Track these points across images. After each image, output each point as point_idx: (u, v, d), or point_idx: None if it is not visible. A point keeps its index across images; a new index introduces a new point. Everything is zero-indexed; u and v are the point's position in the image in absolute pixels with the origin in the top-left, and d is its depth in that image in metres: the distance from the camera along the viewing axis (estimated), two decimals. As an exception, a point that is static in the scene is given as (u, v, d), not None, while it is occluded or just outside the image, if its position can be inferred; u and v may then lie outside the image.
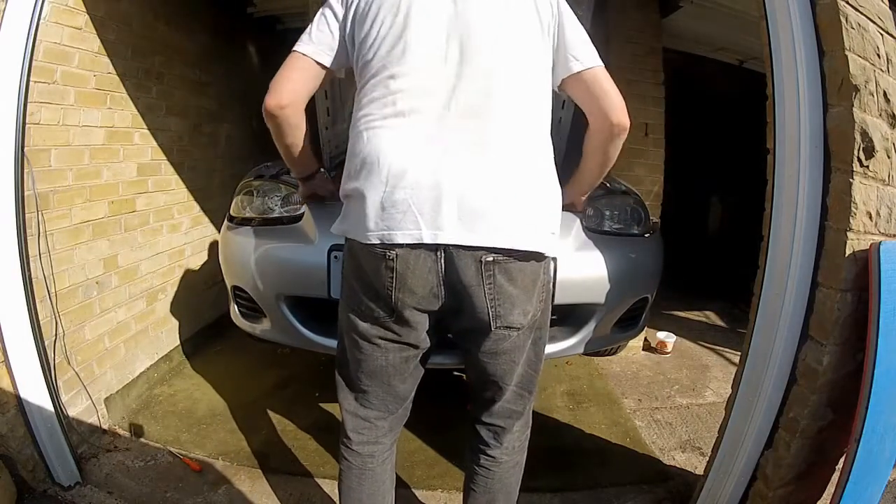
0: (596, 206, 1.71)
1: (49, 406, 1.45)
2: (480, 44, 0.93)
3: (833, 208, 1.09)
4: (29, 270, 1.40)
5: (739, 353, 1.30)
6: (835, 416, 1.14)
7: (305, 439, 1.80)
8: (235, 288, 1.67)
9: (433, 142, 0.90)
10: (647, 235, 1.75)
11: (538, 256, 0.94)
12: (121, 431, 1.81)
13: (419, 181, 0.88)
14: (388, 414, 1.08)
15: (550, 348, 1.53)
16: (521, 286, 0.94)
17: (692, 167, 3.92)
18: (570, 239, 1.53)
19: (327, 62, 1.00)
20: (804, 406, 1.14)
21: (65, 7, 1.59)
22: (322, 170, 1.32)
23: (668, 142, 2.56)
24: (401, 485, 1.55)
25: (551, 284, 1.07)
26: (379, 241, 0.90)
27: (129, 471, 1.60)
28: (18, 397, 1.39)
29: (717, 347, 2.77)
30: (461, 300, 0.93)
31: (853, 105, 1.04)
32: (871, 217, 1.08)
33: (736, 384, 1.29)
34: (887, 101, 1.10)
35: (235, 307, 1.72)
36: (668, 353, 2.66)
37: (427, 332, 1.01)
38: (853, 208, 1.05)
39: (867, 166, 1.06)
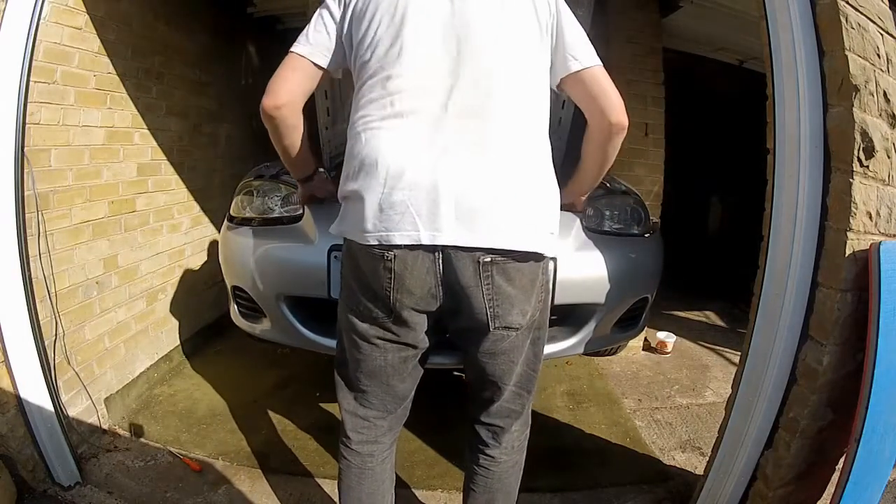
0: (596, 206, 1.71)
1: (49, 406, 1.45)
2: (478, 44, 0.93)
3: (833, 208, 1.09)
4: (29, 270, 1.40)
5: (739, 353, 1.30)
6: (835, 416, 1.14)
7: (305, 439, 1.80)
8: (235, 288, 1.67)
9: (431, 143, 0.90)
10: (647, 235, 1.75)
11: (537, 257, 0.94)
12: (121, 431, 1.81)
13: (417, 182, 0.88)
14: (388, 413, 1.08)
15: (551, 348, 1.53)
16: (520, 286, 0.94)
17: (692, 167, 3.92)
18: (570, 239, 1.53)
19: (324, 63, 1.00)
20: (804, 406, 1.14)
21: (65, 7, 1.60)
22: (321, 170, 1.32)
23: (668, 142, 2.56)
24: (401, 485, 1.56)
25: (550, 284, 1.07)
26: (377, 243, 0.90)
27: (129, 471, 1.60)
28: (18, 397, 1.39)
29: (717, 347, 2.77)
30: (459, 301, 0.93)
31: (853, 105, 1.04)
32: (871, 217, 1.08)
33: (736, 384, 1.29)
34: (887, 101, 1.10)
35: (235, 307, 1.72)
36: (668, 353, 2.66)
37: (426, 332, 1.01)
38: (853, 208, 1.05)
39: (867, 166, 1.06)
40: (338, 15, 0.99)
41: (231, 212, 1.74)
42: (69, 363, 1.65)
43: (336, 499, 1.17)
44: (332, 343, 1.16)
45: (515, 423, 1.10)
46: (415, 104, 0.92)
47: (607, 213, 1.73)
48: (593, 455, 1.78)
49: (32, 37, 1.37)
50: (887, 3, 1.19)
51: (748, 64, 3.37)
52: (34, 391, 1.42)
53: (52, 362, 1.52)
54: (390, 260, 0.90)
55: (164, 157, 2.23)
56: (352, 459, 1.08)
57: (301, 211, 1.59)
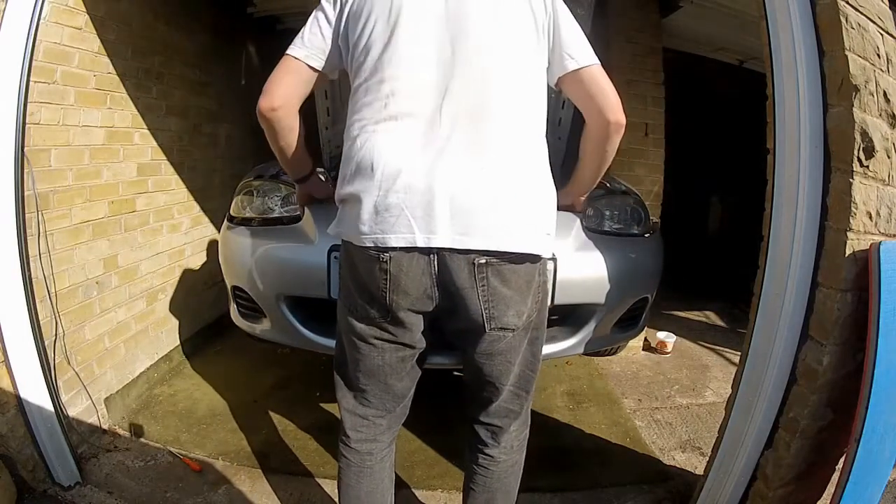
0: (596, 206, 1.71)
1: (49, 406, 1.45)
2: (473, 45, 0.93)
3: (833, 208, 1.09)
4: (29, 270, 1.40)
5: (739, 353, 1.30)
6: (835, 416, 1.14)
7: (305, 439, 1.80)
8: (235, 288, 1.67)
9: (427, 145, 0.90)
10: (647, 235, 1.75)
11: (532, 258, 0.94)
12: (121, 431, 1.81)
13: (412, 185, 0.88)
14: (387, 412, 1.09)
15: (551, 348, 1.53)
16: (515, 288, 0.94)
17: (692, 167, 3.92)
18: (570, 239, 1.53)
19: (319, 66, 1.00)
20: (804, 406, 1.14)
21: (65, 7, 1.60)
22: (320, 170, 1.32)
23: (668, 142, 2.56)
24: (401, 485, 1.56)
25: (548, 285, 1.07)
26: (373, 245, 0.90)
27: (129, 471, 1.60)
28: (18, 397, 1.39)
29: (717, 347, 2.77)
30: (455, 302, 0.93)
31: (853, 105, 1.04)
32: (871, 217, 1.08)
33: (736, 384, 1.29)
34: (887, 101, 1.10)
35: (235, 307, 1.72)
36: (668, 353, 2.66)
37: (422, 332, 1.01)
38: (853, 208, 1.05)
39: (867, 166, 1.06)
40: (333, 17, 0.99)
41: (231, 212, 1.74)
42: (69, 363, 1.65)
43: (336, 498, 1.17)
44: (331, 343, 1.16)
45: (514, 423, 1.10)
46: (409, 106, 0.92)
47: (607, 213, 1.73)
48: (593, 455, 1.78)
49: (32, 37, 1.37)
50: (887, 3, 1.19)
51: (748, 64, 3.37)
52: (34, 391, 1.42)
53: (52, 362, 1.52)
54: (386, 261, 0.90)
55: (164, 157, 2.23)
56: (351, 458, 1.08)
57: (301, 211, 1.59)
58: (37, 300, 1.44)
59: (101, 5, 1.73)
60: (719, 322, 3.27)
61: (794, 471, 1.19)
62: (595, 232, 1.63)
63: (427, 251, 0.89)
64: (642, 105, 2.50)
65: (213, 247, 2.64)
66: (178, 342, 2.37)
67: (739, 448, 1.27)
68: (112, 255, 1.91)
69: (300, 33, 1.01)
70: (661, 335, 2.66)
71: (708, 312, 3.38)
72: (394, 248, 0.89)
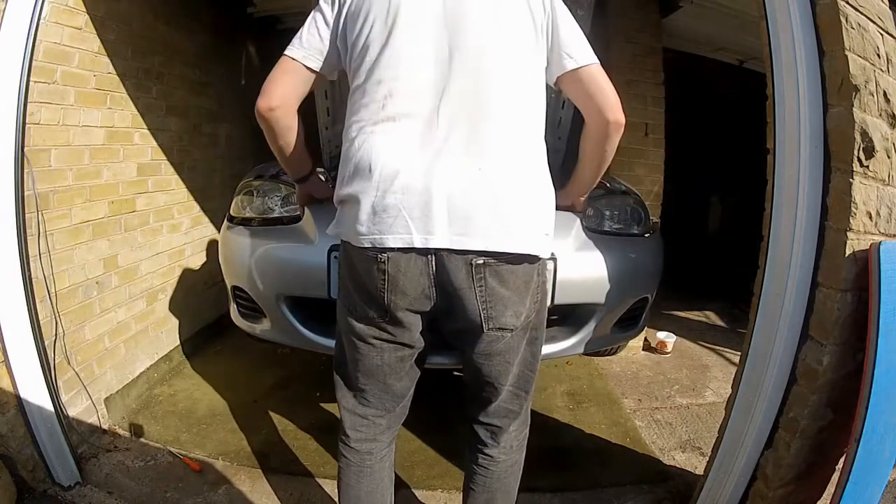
0: (596, 206, 1.71)
1: (49, 406, 1.45)
2: (472, 44, 0.93)
3: (833, 208, 1.09)
4: (29, 270, 1.40)
5: (739, 353, 1.30)
6: (835, 416, 1.14)
7: (305, 439, 1.80)
8: (235, 288, 1.67)
9: (424, 146, 0.90)
10: (646, 235, 1.75)
11: (531, 258, 0.94)
12: (121, 431, 1.81)
13: (410, 186, 0.88)
14: (386, 412, 1.09)
15: (551, 348, 1.53)
16: (514, 288, 0.94)
17: (692, 167, 3.92)
18: (570, 239, 1.53)
19: (316, 67, 1.00)
20: (804, 406, 1.14)
21: (65, 7, 1.60)
22: (319, 170, 1.32)
23: (668, 142, 2.56)
24: (401, 485, 1.56)
25: (547, 285, 1.07)
26: (370, 245, 0.90)
27: (129, 471, 1.60)
28: (18, 397, 1.39)
29: (717, 347, 2.77)
30: (452, 302, 0.93)
31: (853, 105, 1.04)
32: (871, 217, 1.08)
33: (736, 384, 1.29)
34: (887, 101, 1.10)
35: (235, 307, 1.72)
36: (668, 353, 2.66)
37: (421, 332, 1.01)
38: (853, 208, 1.05)
39: (867, 166, 1.06)
40: (331, 17, 0.99)
41: (231, 212, 1.74)
42: (69, 363, 1.65)
43: (336, 498, 1.17)
44: (331, 343, 1.17)
45: (514, 423, 1.10)
46: (407, 107, 0.92)
47: (607, 213, 1.73)
48: (593, 455, 1.78)
49: (32, 37, 1.37)
50: (887, 3, 1.19)
51: (748, 64, 3.37)
52: (34, 391, 1.42)
53: (52, 362, 1.52)
54: (384, 262, 0.90)
55: (164, 157, 2.23)
56: (351, 457, 1.08)
57: (301, 211, 1.59)
58: (37, 300, 1.44)
59: (101, 5, 1.73)
60: (719, 322, 3.27)
61: (794, 471, 1.19)
62: (595, 232, 1.63)
63: (424, 252, 0.89)
64: (642, 105, 2.50)
65: (212, 247, 2.64)
66: (178, 342, 2.37)
67: (739, 448, 1.27)
68: (112, 255, 1.91)
69: (298, 34, 1.01)
70: (661, 335, 2.66)
71: (708, 312, 3.38)
72: (391, 249, 0.89)
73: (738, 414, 1.27)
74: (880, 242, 1.04)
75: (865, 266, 1.05)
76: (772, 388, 1.19)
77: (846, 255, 1.06)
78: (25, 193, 1.40)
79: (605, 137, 1.04)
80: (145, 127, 2.07)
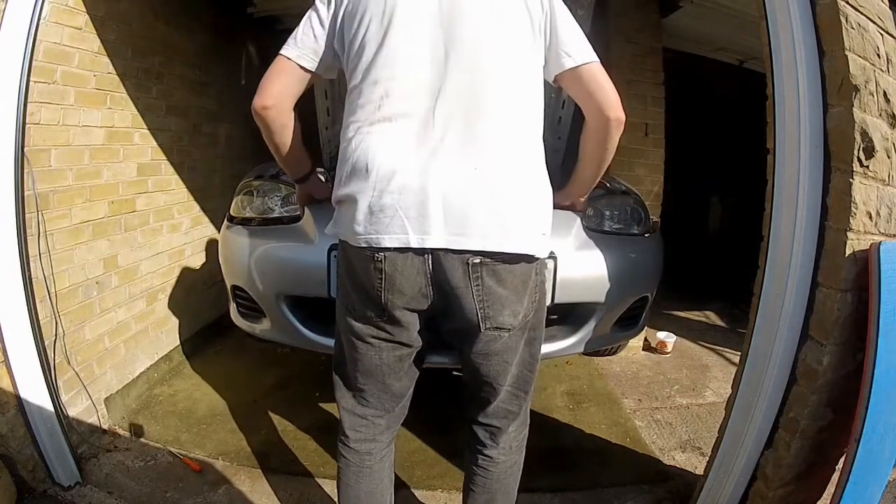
0: (596, 206, 1.71)
1: (49, 406, 1.45)
2: (468, 44, 0.93)
3: (833, 208, 1.09)
4: (29, 270, 1.40)
5: (739, 353, 1.30)
6: (835, 416, 1.14)
7: (305, 439, 1.80)
8: (235, 288, 1.67)
9: (420, 146, 0.90)
10: (646, 235, 1.75)
11: (528, 258, 0.94)
12: (121, 431, 1.81)
13: (406, 185, 0.88)
14: (385, 412, 1.09)
15: (551, 347, 1.53)
16: (511, 287, 0.94)
17: (692, 167, 3.92)
18: (571, 238, 1.53)
19: (311, 67, 1.00)
20: (804, 406, 1.14)
21: (65, 7, 1.60)
22: (319, 170, 1.32)
23: (668, 142, 2.56)
24: (401, 485, 1.56)
25: (546, 285, 1.07)
26: (367, 245, 0.90)
27: (129, 471, 1.60)
28: (18, 397, 1.39)
29: (717, 347, 2.77)
30: (449, 301, 0.93)
31: (853, 105, 1.04)
32: (871, 217, 1.08)
33: (736, 384, 1.29)
34: (887, 101, 1.10)
35: (235, 307, 1.72)
36: (668, 353, 2.66)
37: (419, 331, 1.01)
38: (853, 208, 1.05)
39: (867, 166, 1.06)
40: (326, 17, 0.99)
41: (231, 212, 1.74)
42: (69, 363, 1.65)
43: (336, 498, 1.17)
44: (331, 342, 1.17)
45: (513, 424, 1.10)
46: (403, 107, 0.92)
47: (607, 213, 1.73)
48: (593, 455, 1.78)
49: (32, 37, 1.37)
50: (887, 3, 1.19)
51: (748, 64, 3.37)
52: (34, 391, 1.42)
53: (52, 362, 1.52)
54: (381, 261, 0.90)
55: (164, 157, 2.23)
56: (350, 458, 1.08)
57: (300, 211, 1.59)
58: (37, 300, 1.44)
59: (101, 5, 1.73)
60: (719, 322, 3.27)
61: (794, 471, 1.19)
62: (595, 232, 1.63)
63: (421, 251, 0.89)
64: (642, 105, 2.49)
65: (212, 247, 2.64)
66: (178, 342, 2.37)
67: (739, 448, 1.27)
68: (112, 255, 1.91)
69: (293, 33, 1.01)
70: (661, 335, 2.66)
71: (708, 312, 3.38)
72: (388, 249, 0.89)
73: (738, 414, 1.27)
74: (880, 242, 1.04)
75: (865, 266, 1.05)
76: (772, 388, 1.19)
77: (846, 255, 1.06)
78: (25, 193, 1.40)
79: (606, 135, 1.04)
80: (145, 127, 2.07)
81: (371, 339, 0.99)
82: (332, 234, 1.01)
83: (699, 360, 2.62)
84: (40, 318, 1.45)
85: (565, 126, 1.97)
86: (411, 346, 1.02)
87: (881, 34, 1.13)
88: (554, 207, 1.02)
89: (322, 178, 1.42)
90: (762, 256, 1.21)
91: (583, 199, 1.41)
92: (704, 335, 2.95)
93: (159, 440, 1.77)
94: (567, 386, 2.27)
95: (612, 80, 1.01)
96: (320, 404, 2.03)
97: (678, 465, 1.74)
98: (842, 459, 1.10)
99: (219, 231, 1.91)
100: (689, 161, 3.62)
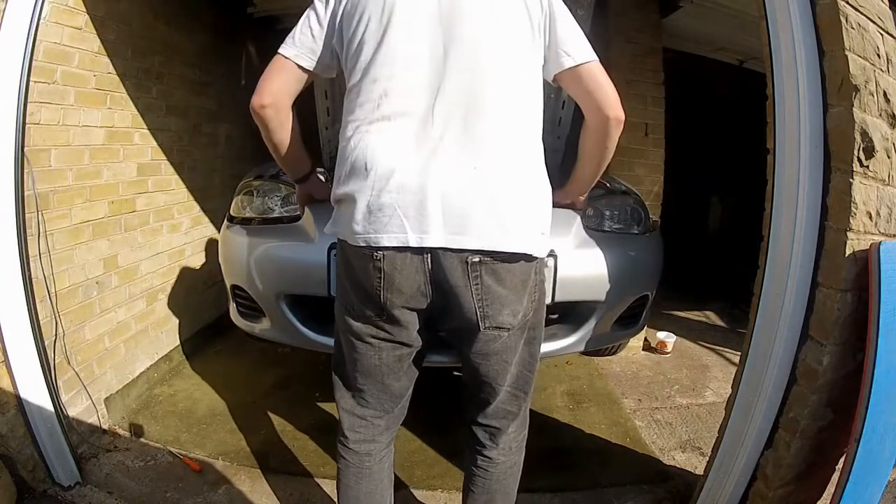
0: (596, 206, 1.72)
1: (49, 406, 1.45)
2: (467, 43, 0.93)
3: (833, 208, 1.09)
4: (29, 270, 1.40)
5: (739, 353, 1.30)
6: (835, 416, 1.14)
7: (305, 439, 1.80)
8: (235, 287, 1.67)
9: (420, 145, 0.90)
10: (647, 234, 1.75)
11: (527, 257, 0.94)
12: (121, 431, 1.81)
13: (405, 184, 0.88)
14: (385, 413, 1.08)
15: (552, 346, 1.54)
16: (510, 286, 0.93)
17: (692, 167, 3.92)
18: (571, 237, 1.53)
19: (308, 66, 1.01)
20: (804, 406, 1.14)
21: (65, 7, 1.60)
22: (319, 170, 1.32)
23: (668, 142, 2.56)
24: (401, 485, 1.56)
25: (546, 284, 1.06)
26: (366, 244, 0.90)
27: (129, 471, 1.60)
28: (18, 397, 1.39)
29: (717, 347, 2.77)
30: (448, 299, 0.93)
31: (853, 105, 1.04)
32: (871, 217, 1.08)
33: (736, 384, 1.29)
34: (887, 101, 1.10)
35: (235, 307, 1.72)
36: (668, 353, 2.66)
37: (418, 330, 1.01)
38: (853, 208, 1.05)
39: (867, 166, 1.06)
40: (325, 17, 0.99)
41: (231, 212, 1.75)
42: (69, 363, 1.65)
43: (336, 499, 1.17)
44: (331, 342, 1.17)
45: (512, 425, 1.10)
46: (402, 106, 0.92)
47: (607, 213, 1.74)
48: (593, 455, 1.78)
49: (32, 37, 1.37)
50: (887, 3, 1.19)
51: (748, 64, 3.37)
52: (34, 391, 1.42)
53: (52, 362, 1.52)
54: (379, 260, 0.90)
55: (164, 157, 2.23)
56: (350, 459, 1.08)
57: (300, 211, 1.59)
58: (37, 300, 1.44)
59: (101, 5, 1.73)
60: (719, 322, 3.27)
61: (794, 471, 1.19)
62: (595, 231, 1.63)
63: (419, 251, 0.89)
64: (642, 105, 2.49)
65: (212, 247, 2.64)
66: (178, 342, 2.37)
67: (739, 448, 1.27)
68: (112, 255, 1.91)
69: (292, 32, 1.01)
70: (661, 335, 2.66)
71: (708, 312, 3.38)
72: (386, 248, 0.89)
73: (738, 414, 1.27)
74: (880, 242, 1.04)
75: (865, 266, 1.05)
76: (772, 388, 1.19)
77: (846, 255, 1.06)
78: (25, 193, 1.40)
79: (605, 134, 1.04)
80: (145, 127, 2.07)
81: (370, 339, 0.99)
82: (330, 233, 1.01)
83: (699, 360, 2.62)
84: (40, 318, 1.45)
85: (565, 126, 1.97)
86: (411, 345, 1.02)
87: (881, 34, 1.13)
88: (554, 206, 1.02)
89: (322, 178, 1.42)
90: (762, 256, 1.21)
91: (583, 198, 1.41)
92: (704, 335, 2.95)
93: (159, 440, 1.77)
94: (567, 386, 2.27)
95: (612, 80, 1.01)
96: (321, 404, 2.03)
97: (678, 465, 1.74)
98: (842, 459, 1.10)
99: (219, 231, 1.91)
100: (689, 161, 3.62)
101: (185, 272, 2.43)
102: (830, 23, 1.07)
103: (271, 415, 1.95)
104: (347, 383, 1.07)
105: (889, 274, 1.02)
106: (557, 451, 1.79)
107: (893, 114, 1.11)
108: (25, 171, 1.40)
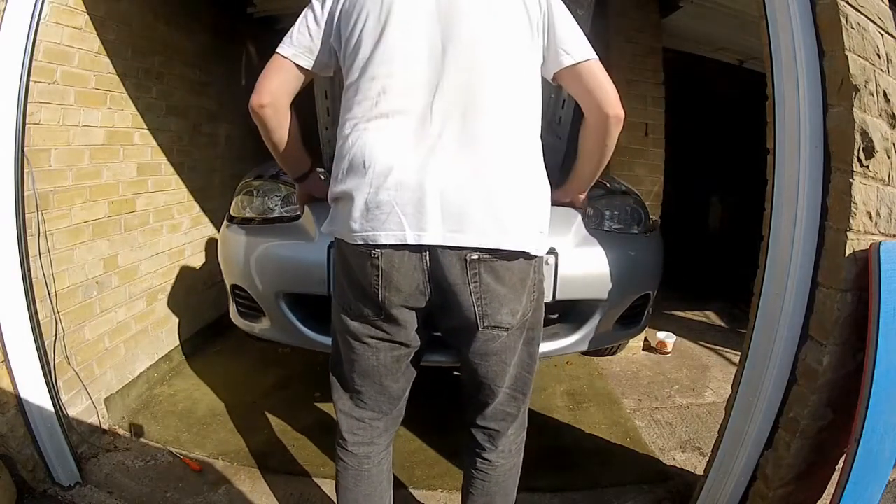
0: (596, 206, 1.72)
1: (49, 406, 1.45)
2: (465, 41, 0.93)
3: (833, 208, 1.09)
4: (29, 270, 1.40)
5: (739, 353, 1.30)
6: (835, 416, 1.14)
7: (305, 439, 1.80)
8: (235, 287, 1.67)
9: (418, 142, 0.90)
10: (647, 234, 1.75)
11: (526, 255, 0.94)
12: (121, 431, 1.81)
13: (403, 182, 0.88)
14: (383, 415, 1.08)
15: (554, 345, 1.53)
16: (509, 285, 0.93)
17: (692, 167, 3.92)
18: (571, 235, 1.53)
19: (306, 65, 1.01)
20: (804, 406, 1.14)
21: (65, 7, 1.60)
22: (319, 170, 1.32)
23: (668, 142, 2.56)
24: (401, 485, 1.56)
25: (545, 284, 1.06)
26: (363, 242, 0.90)
27: (129, 471, 1.60)
28: (18, 397, 1.39)
29: (717, 347, 2.77)
30: (447, 298, 0.93)
31: (853, 105, 1.04)
32: (871, 217, 1.08)
33: (736, 384, 1.29)
34: (887, 101, 1.10)
35: (234, 307, 1.72)
36: (668, 353, 2.66)
37: (417, 330, 1.00)
38: (853, 208, 1.05)
39: (867, 166, 1.06)
40: (322, 16, 0.99)
41: (231, 212, 1.74)
42: (69, 363, 1.65)
43: (335, 499, 1.17)
44: (330, 341, 1.16)
45: (511, 427, 1.09)
46: (400, 104, 0.92)
47: (607, 213, 1.73)
48: (593, 455, 1.78)
49: (32, 37, 1.37)
50: (887, 3, 1.19)
51: (748, 64, 3.37)
52: (34, 391, 1.42)
53: (52, 362, 1.52)
54: (377, 258, 0.90)
55: (164, 157, 2.23)
56: (348, 461, 1.07)
57: (300, 211, 1.59)
58: (37, 300, 1.44)
59: (101, 5, 1.73)
60: (719, 322, 3.27)
61: (794, 471, 1.19)
62: (595, 231, 1.63)
63: (418, 248, 0.89)
64: (642, 105, 2.49)
65: (212, 247, 2.64)
66: (178, 342, 2.37)
67: (739, 448, 1.27)
68: (112, 255, 1.91)
69: (289, 31, 1.01)
70: (661, 335, 2.66)
71: (708, 312, 3.38)
72: (384, 246, 0.89)
73: (738, 414, 1.27)
74: (880, 242, 1.04)
75: (865, 266, 1.05)
76: (772, 388, 1.19)
77: (846, 255, 1.06)
78: (25, 193, 1.40)
79: (605, 132, 1.04)
80: (145, 127, 2.07)
81: (368, 339, 0.99)
82: (328, 232, 1.01)
83: (699, 360, 2.62)
84: (40, 318, 1.45)
85: (565, 126, 1.97)
86: (409, 345, 1.01)
87: (881, 34, 1.13)
88: (554, 204, 1.02)
89: (322, 178, 1.42)
90: (762, 256, 1.21)
91: (582, 197, 1.41)
92: (704, 335, 2.95)
93: (159, 440, 1.77)
94: (567, 386, 2.27)
95: (611, 79, 1.01)
96: (320, 404, 2.03)
97: (678, 465, 1.74)
98: (842, 459, 1.10)
99: (219, 231, 1.91)
100: (689, 161, 3.62)
101: (185, 272, 2.43)
102: (830, 23, 1.07)
103: (271, 415, 1.95)
104: (345, 384, 1.07)
105: (889, 274, 1.02)
106: (557, 451, 1.79)
107: (893, 114, 1.11)
108: (25, 171, 1.40)
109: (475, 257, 0.89)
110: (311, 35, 1.00)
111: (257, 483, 1.58)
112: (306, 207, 1.53)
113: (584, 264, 1.50)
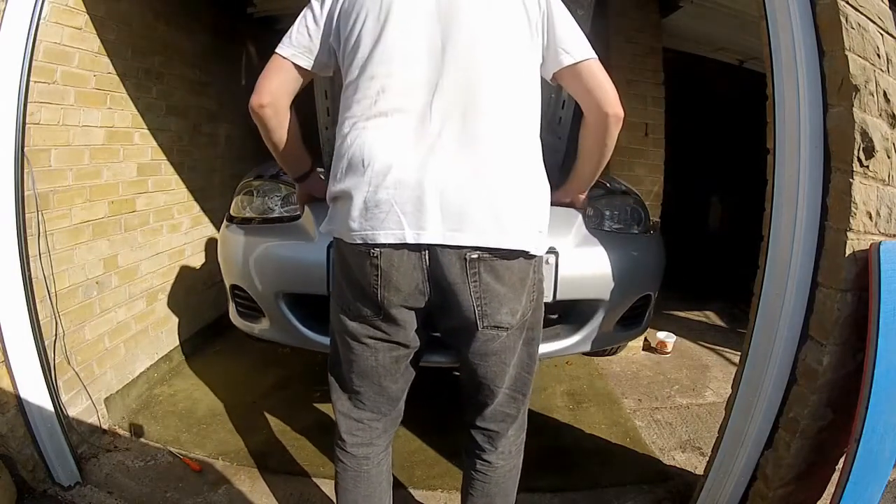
0: (596, 206, 1.72)
1: (49, 406, 1.45)
2: (464, 40, 0.93)
3: (833, 208, 1.09)
4: (29, 270, 1.40)
5: (739, 353, 1.30)
6: (835, 416, 1.14)
7: (305, 439, 1.80)
8: (234, 287, 1.67)
9: (418, 141, 0.90)
10: (647, 234, 1.75)
11: (526, 255, 0.94)
12: (121, 431, 1.81)
13: (402, 180, 0.88)
14: (382, 416, 1.08)
15: (555, 346, 1.53)
16: (509, 284, 0.93)
17: (692, 167, 3.92)
18: (571, 235, 1.53)
19: (306, 65, 1.01)
20: (804, 406, 1.14)
21: (65, 7, 1.60)
22: (319, 170, 1.32)
23: (668, 142, 2.56)
24: (401, 485, 1.56)
25: (544, 284, 1.06)
26: (362, 241, 0.90)
27: (129, 471, 1.60)
28: (18, 397, 1.39)
29: (717, 347, 2.77)
30: (446, 297, 0.93)
31: (853, 105, 1.04)
32: (871, 217, 1.08)
33: (736, 384, 1.29)
34: (887, 101, 1.10)
35: (234, 307, 1.72)
36: (668, 353, 2.66)
37: (416, 330, 1.00)
38: (853, 208, 1.05)
39: (867, 166, 1.06)
40: (321, 15, 0.99)
41: (231, 212, 1.74)
42: (69, 363, 1.65)
43: (335, 499, 1.17)
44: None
45: (511, 428, 1.09)
46: (400, 103, 0.91)
47: (607, 213, 1.73)
48: (593, 455, 1.78)
49: (32, 37, 1.37)
50: (887, 3, 1.19)
51: (748, 64, 3.37)
52: (34, 391, 1.42)
53: (52, 362, 1.52)
54: (376, 257, 0.90)
55: (164, 157, 2.23)
56: (347, 462, 1.07)
57: (300, 211, 1.59)
58: (37, 300, 1.44)
59: (101, 5, 1.73)
60: (719, 322, 3.27)
61: (794, 471, 1.19)
62: (595, 231, 1.63)
63: (417, 247, 0.89)
64: (642, 105, 2.50)
65: (212, 247, 2.64)
66: (177, 342, 2.37)
67: (739, 448, 1.27)
68: (112, 255, 1.91)
69: (289, 31, 1.01)
70: (661, 335, 2.66)
71: (708, 312, 3.38)
72: (383, 245, 0.89)
73: (738, 414, 1.27)
74: (880, 242, 1.04)
75: (865, 266, 1.05)
76: (772, 388, 1.19)
77: (846, 255, 1.06)
78: (25, 193, 1.40)
79: (605, 132, 1.04)
80: (145, 127, 2.07)
81: (367, 340, 0.99)
82: (326, 231, 1.00)
83: (699, 360, 2.62)
84: (40, 318, 1.45)
85: (565, 126, 1.97)
86: (408, 346, 1.01)
87: (881, 34, 1.13)
88: (553, 204, 1.02)
89: (322, 177, 1.42)
90: (762, 256, 1.21)
91: (582, 197, 1.41)
92: (704, 335, 2.95)
93: (159, 440, 1.77)
94: (567, 386, 2.27)
95: (611, 79, 1.01)
96: (320, 404, 2.03)
97: (678, 465, 1.74)
98: (842, 459, 1.10)
99: (218, 231, 1.91)
100: (689, 161, 3.62)
101: (185, 272, 2.43)
102: (830, 23, 1.07)
103: (271, 415, 1.95)
104: (343, 385, 1.06)
105: (889, 274, 1.02)
106: (557, 451, 1.79)
107: (893, 114, 1.11)
108: (25, 171, 1.40)
109: (475, 256, 0.89)
110: (310, 35, 1.00)
111: (257, 483, 1.58)
112: (306, 207, 1.53)
113: (584, 264, 1.50)
